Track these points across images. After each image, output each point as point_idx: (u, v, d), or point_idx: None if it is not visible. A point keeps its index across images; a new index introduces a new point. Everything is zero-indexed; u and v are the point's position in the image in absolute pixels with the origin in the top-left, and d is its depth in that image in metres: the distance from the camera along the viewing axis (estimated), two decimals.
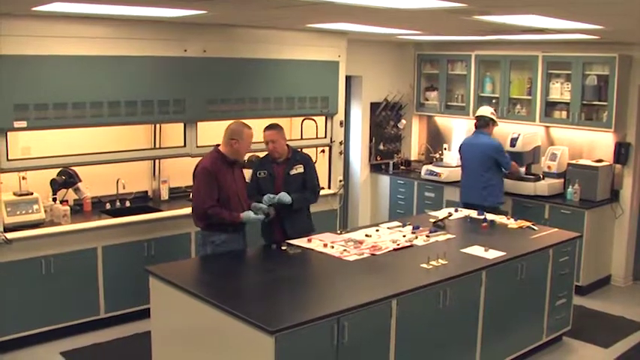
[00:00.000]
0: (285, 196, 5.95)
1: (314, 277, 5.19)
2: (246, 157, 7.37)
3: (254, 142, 6.13)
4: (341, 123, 8.54)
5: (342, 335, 4.32)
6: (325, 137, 8.47)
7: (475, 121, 8.16)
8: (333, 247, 5.71)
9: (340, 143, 8.57)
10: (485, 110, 8.12)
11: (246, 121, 7.64)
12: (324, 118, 8.45)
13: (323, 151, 8.58)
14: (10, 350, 6.21)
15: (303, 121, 8.55)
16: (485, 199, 7.75)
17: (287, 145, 6.32)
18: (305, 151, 8.50)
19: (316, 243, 5.83)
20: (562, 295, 6.37)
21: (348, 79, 9.03)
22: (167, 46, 6.93)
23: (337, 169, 8.58)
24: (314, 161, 6.75)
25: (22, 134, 6.52)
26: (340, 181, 8.57)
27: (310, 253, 5.63)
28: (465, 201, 7.94)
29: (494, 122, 8.03)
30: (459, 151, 8.26)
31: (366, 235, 6.09)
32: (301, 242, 5.85)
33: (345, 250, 5.63)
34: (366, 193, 10.17)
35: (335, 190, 8.50)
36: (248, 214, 5.73)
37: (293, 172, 6.25)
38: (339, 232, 6.43)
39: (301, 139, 8.54)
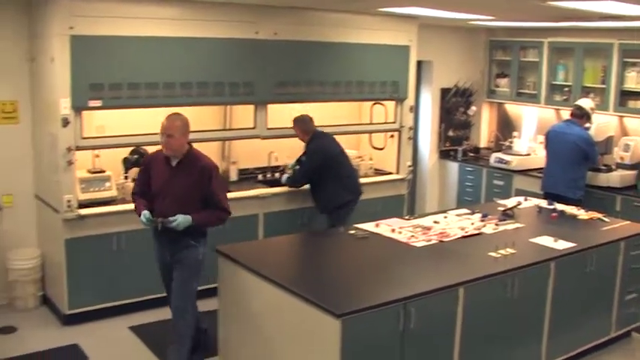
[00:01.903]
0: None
1: (381, 261, 5.17)
2: None
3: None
4: (411, 108, 8.49)
5: (409, 321, 4.31)
6: (394, 122, 8.43)
7: (572, 109, 8.00)
8: (400, 232, 5.69)
9: (410, 129, 8.51)
10: (586, 102, 7.96)
11: (315, 105, 7.74)
12: (393, 102, 8.40)
13: (392, 136, 8.53)
14: (80, 323, 6.39)
15: (372, 106, 8.52)
16: (573, 191, 7.63)
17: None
18: (374, 136, 8.56)
19: (384, 228, 5.82)
20: (632, 289, 6.23)
21: (418, 64, 8.97)
22: (239, 28, 6.98)
23: (406, 155, 8.53)
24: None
25: (96, 113, 6.65)
26: (409, 166, 8.52)
27: (378, 237, 5.62)
28: (549, 191, 7.80)
29: (589, 118, 7.86)
30: (546, 137, 8.12)
31: (434, 222, 6.05)
32: (369, 227, 5.85)
33: (412, 235, 5.61)
34: (434, 180, 10.12)
35: (403, 176, 8.46)
36: (143, 214, 5.23)
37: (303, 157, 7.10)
38: (406, 217, 6.41)
39: (370, 123, 8.52)
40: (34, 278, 6.75)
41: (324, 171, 7.12)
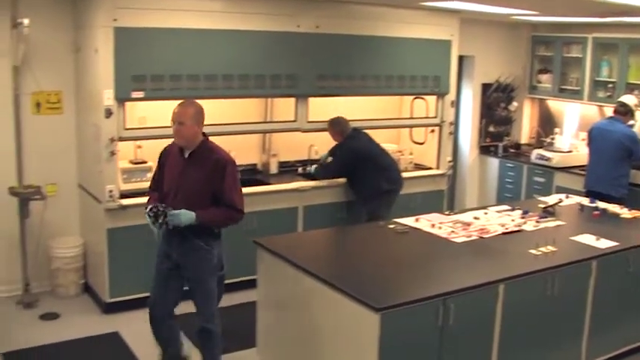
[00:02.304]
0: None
1: (421, 256, 5.16)
2: None
3: None
4: (452, 103, 8.45)
5: (447, 317, 4.30)
6: (435, 117, 8.39)
7: (615, 106, 7.90)
8: (440, 227, 5.67)
9: (450, 124, 8.48)
10: (630, 99, 7.84)
11: (356, 99, 7.74)
12: (434, 97, 8.36)
13: (432, 131, 8.50)
14: (120, 311, 6.47)
15: (413, 100, 8.49)
16: (617, 189, 7.53)
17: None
18: (415, 131, 8.53)
19: (424, 223, 5.80)
20: None
21: (460, 58, 8.91)
22: (281, 21, 6.99)
23: (446, 150, 8.50)
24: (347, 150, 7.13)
25: (138, 104, 6.72)
26: (449, 161, 8.48)
27: (417, 232, 5.60)
28: (592, 189, 7.69)
29: (632, 114, 7.76)
30: (589, 134, 8.02)
31: (474, 218, 6.02)
32: (409, 221, 5.83)
33: (452, 231, 5.59)
34: (474, 175, 10.06)
35: (443, 171, 8.42)
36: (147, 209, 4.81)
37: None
38: (446, 213, 6.39)
39: (411, 118, 8.50)
40: (76, 267, 6.85)
41: (361, 165, 7.20)
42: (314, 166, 7.62)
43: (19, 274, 6.74)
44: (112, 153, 6.25)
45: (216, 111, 7.09)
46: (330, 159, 7.52)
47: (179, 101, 6.62)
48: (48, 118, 6.83)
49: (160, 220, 4.68)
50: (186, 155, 4.85)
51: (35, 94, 6.73)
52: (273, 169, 7.81)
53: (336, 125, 7.36)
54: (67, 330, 6.04)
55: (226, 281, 6.84)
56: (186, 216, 4.67)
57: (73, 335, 5.96)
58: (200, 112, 4.87)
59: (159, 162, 5.11)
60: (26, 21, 6.23)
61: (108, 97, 6.19)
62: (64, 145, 6.94)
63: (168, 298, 5.09)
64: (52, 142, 6.87)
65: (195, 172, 4.78)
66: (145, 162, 6.74)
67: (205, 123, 6.86)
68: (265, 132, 7.76)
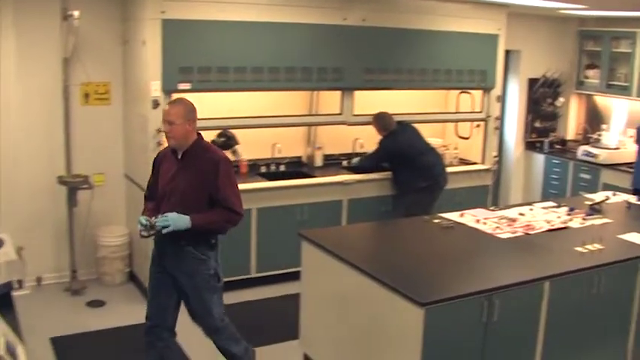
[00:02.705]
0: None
1: (465, 251, 5.12)
2: None
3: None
4: (498, 98, 8.38)
5: (492, 313, 4.27)
6: (481, 112, 8.34)
7: None
8: (485, 223, 5.63)
9: (496, 119, 8.41)
10: None
11: (402, 92, 7.72)
12: (480, 92, 8.31)
13: (478, 125, 8.45)
14: None
15: (459, 95, 8.45)
16: None
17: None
18: (460, 125, 8.49)
19: (469, 218, 5.77)
20: None
21: (506, 53, 8.83)
22: (327, 14, 7.00)
23: (492, 145, 8.43)
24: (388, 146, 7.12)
25: (185, 96, 6.73)
26: (494, 156, 8.42)
27: (462, 227, 5.57)
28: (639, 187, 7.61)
29: None
30: (637, 131, 7.87)
31: (520, 214, 5.96)
32: (453, 216, 5.81)
33: (497, 227, 5.54)
34: (519, 171, 9.97)
35: (488, 166, 8.36)
36: (139, 220, 4.49)
37: None
38: (491, 208, 6.34)
39: (457, 112, 8.46)
40: (121, 255, 6.95)
41: (398, 161, 7.24)
42: (357, 159, 7.67)
43: (67, 261, 6.87)
44: (159, 144, 6.31)
45: (261, 103, 7.18)
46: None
47: (226, 93, 6.77)
48: (96, 108, 6.93)
49: (152, 232, 4.39)
50: (180, 156, 4.56)
51: (84, 85, 6.84)
52: (318, 161, 7.83)
53: (379, 121, 7.38)
54: (113, 317, 6.13)
55: (271, 272, 6.94)
56: (179, 220, 4.36)
57: (118, 323, 6.05)
58: (191, 110, 4.55)
59: (153, 167, 4.81)
60: (76, 13, 6.32)
61: (155, 89, 6.26)
62: (112, 136, 7.04)
63: (166, 307, 4.74)
64: (100, 133, 6.98)
65: (189, 173, 4.50)
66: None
67: (253, 115, 7.01)
68: (311, 125, 7.78)
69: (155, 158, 4.83)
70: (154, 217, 4.38)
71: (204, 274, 4.60)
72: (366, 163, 7.49)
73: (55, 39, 6.62)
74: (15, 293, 3.71)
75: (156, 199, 4.66)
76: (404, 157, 7.27)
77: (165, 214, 4.36)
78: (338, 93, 7.38)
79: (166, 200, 4.53)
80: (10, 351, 2.80)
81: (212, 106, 6.93)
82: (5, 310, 3.17)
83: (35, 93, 6.65)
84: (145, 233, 4.39)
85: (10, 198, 6.47)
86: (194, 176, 4.48)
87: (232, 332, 4.85)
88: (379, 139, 7.39)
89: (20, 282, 3.82)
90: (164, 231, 4.34)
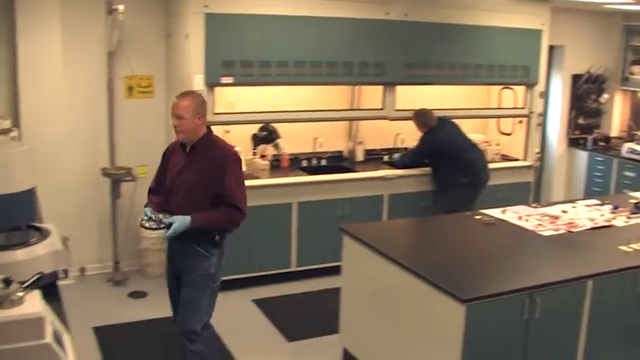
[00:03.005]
0: None
1: (507, 248, 5.10)
2: None
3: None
4: (541, 94, 8.30)
5: (534, 311, 4.24)
6: (524, 108, 8.25)
7: None
8: (527, 220, 5.59)
9: (539, 115, 8.32)
10: None
11: (444, 88, 7.67)
12: (523, 88, 8.23)
13: (520, 121, 8.36)
14: None
15: (501, 90, 8.38)
16: None
17: None
18: (502, 121, 8.42)
19: (510, 215, 5.73)
20: None
21: (550, 48, 8.73)
22: (369, 8, 6.99)
23: (534, 141, 8.34)
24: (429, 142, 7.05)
25: (227, 89, 6.82)
26: (537, 153, 8.33)
27: (504, 224, 5.53)
28: None
29: None
30: None
31: (562, 211, 5.91)
32: (495, 212, 5.77)
33: (540, 224, 5.49)
34: (561, 168, 9.87)
35: (531, 163, 8.27)
36: (144, 211, 4.40)
37: None
38: (533, 205, 6.29)
39: (499, 108, 8.39)
40: (163, 247, 6.98)
41: (439, 157, 7.21)
42: (397, 155, 7.65)
43: (110, 252, 6.96)
44: None
45: (303, 97, 7.19)
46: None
47: (268, 87, 6.79)
48: (139, 101, 7.01)
49: (161, 226, 4.26)
50: (188, 150, 4.45)
51: (128, 78, 6.92)
52: (360, 156, 7.81)
53: (420, 117, 7.34)
54: (154, 309, 6.18)
55: (312, 267, 6.95)
56: (180, 223, 4.22)
57: (159, 314, 6.08)
58: (201, 104, 4.42)
59: (162, 160, 4.70)
60: (121, 7, 6.38)
61: (198, 82, 6.30)
62: (154, 128, 7.10)
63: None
64: (143, 125, 7.05)
65: (196, 168, 4.37)
66: (233, 147, 6.80)
67: (295, 109, 7.02)
68: (352, 119, 7.78)
69: (165, 151, 4.74)
70: (160, 214, 4.27)
71: (204, 271, 4.42)
72: (407, 160, 7.46)
73: (100, 33, 6.70)
74: (60, 283, 3.77)
75: (162, 192, 4.55)
76: (445, 153, 7.24)
77: (171, 218, 4.23)
78: (379, 88, 7.36)
79: (174, 194, 4.42)
80: (57, 339, 2.85)
81: (254, 100, 6.98)
82: (51, 299, 3.22)
83: (80, 86, 6.73)
84: (150, 224, 4.26)
85: (55, 189, 6.55)
86: (201, 171, 4.35)
87: (207, 353, 4.53)
88: (420, 135, 7.35)
89: (66, 272, 3.87)
90: (167, 233, 4.24)
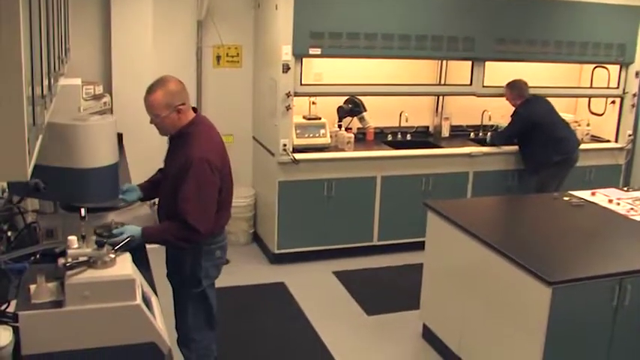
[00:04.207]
0: None
1: (597, 232, 4.95)
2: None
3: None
4: (637, 74, 8.01)
5: (623, 298, 4.12)
6: (617, 88, 7.98)
7: None
8: (619, 204, 5.43)
9: (634, 95, 8.05)
10: None
11: (535, 65, 7.48)
12: (617, 67, 7.96)
13: (613, 102, 8.09)
14: (287, 263, 6.67)
15: (594, 69, 8.13)
16: None
17: None
18: (594, 101, 8.17)
19: (600, 197, 5.57)
20: None
21: None
22: None
23: (627, 123, 8.05)
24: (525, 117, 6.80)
25: (315, 61, 6.81)
26: (629, 135, 8.07)
27: (593, 206, 5.39)
28: None
29: None
30: None
31: None
32: (584, 194, 5.63)
33: (632, 208, 5.32)
34: None
35: (622, 145, 8.01)
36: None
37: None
38: (625, 188, 6.11)
39: (591, 87, 8.15)
40: (247, 216, 7.09)
41: (533, 133, 7.00)
42: (489, 134, 7.48)
43: None
44: (288, 108, 6.37)
45: (390, 71, 7.14)
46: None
47: (355, 60, 6.75)
48: (227, 70, 7.07)
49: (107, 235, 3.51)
50: (169, 140, 3.97)
51: (216, 47, 6.97)
52: (445, 132, 7.71)
53: (515, 88, 7.15)
54: (237, 276, 6.26)
55: (394, 241, 6.91)
56: (130, 232, 3.55)
57: (242, 282, 6.19)
58: (175, 93, 3.77)
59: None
60: None
61: (286, 53, 6.30)
62: (241, 98, 7.16)
63: None
64: (230, 95, 7.11)
65: (175, 161, 3.82)
66: (319, 118, 6.83)
67: (377, 82, 6.96)
68: (440, 95, 7.69)
69: None
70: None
71: (180, 275, 4.02)
72: (498, 140, 7.29)
73: (190, 2, 6.77)
74: (148, 246, 3.83)
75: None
76: (539, 127, 7.01)
77: (125, 226, 3.62)
78: (467, 63, 7.24)
79: (164, 180, 3.98)
80: (146, 301, 2.91)
81: (341, 72, 6.95)
82: (140, 263, 3.29)
83: (170, 54, 6.82)
84: (99, 231, 3.53)
85: (144, 157, 6.65)
86: (173, 170, 3.82)
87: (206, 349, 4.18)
88: (512, 111, 7.19)
89: None
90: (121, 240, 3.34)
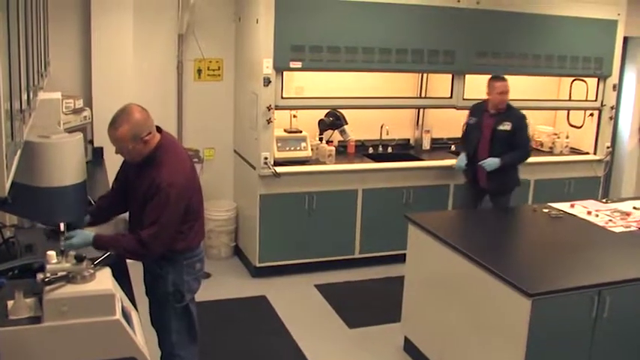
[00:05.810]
0: None
1: (576, 243, 4.98)
2: None
3: None
4: (614, 86, 8.09)
5: (602, 309, 4.15)
6: (595, 100, 8.05)
7: None
8: (597, 215, 5.47)
9: (611, 108, 8.12)
10: None
11: (515, 78, 7.50)
12: (595, 80, 8.03)
13: (592, 114, 8.16)
14: (268, 276, 6.65)
15: (572, 82, 8.19)
16: None
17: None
18: (573, 114, 8.23)
19: (579, 209, 5.62)
20: None
21: (624, 40, 8.49)
22: None
23: (605, 135, 8.11)
24: (527, 121, 6.60)
25: (295, 74, 6.83)
26: (608, 147, 8.13)
27: (572, 218, 5.43)
28: None
29: None
30: None
31: (634, 208, 5.74)
32: (563, 206, 5.67)
33: (610, 220, 5.37)
34: (632, 163, 9.60)
35: (601, 157, 8.08)
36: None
37: (500, 127, 6.36)
38: (604, 200, 6.16)
39: (570, 100, 8.21)
40: (228, 229, 7.08)
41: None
42: (487, 162, 6.39)
43: None
44: (269, 121, 6.38)
45: (371, 84, 7.17)
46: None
47: (336, 73, 6.77)
48: (208, 84, 7.07)
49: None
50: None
51: (197, 61, 6.98)
52: (426, 145, 7.74)
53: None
54: (219, 290, 6.25)
55: (375, 254, 6.93)
56: (80, 239, 3.56)
57: (224, 295, 6.18)
58: (140, 124, 3.67)
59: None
60: None
61: (267, 66, 6.32)
62: (222, 112, 7.17)
63: None
64: (211, 108, 7.12)
65: (141, 184, 3.78)
66: (300, 131, 6.84)
67: (361, 96, 7.00)
68: (421, 107, 7.72)
69: None
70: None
71: (162, 291, 3.95)
72: (528, 147, 6.64)
73: (171, 16, 6.78)
74: (128, 261, 3.82)
75: (115, 194, 4.08)
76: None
77: (75, 231, 3.60)
78: (447, 76, 7.28)
79: (130, 200, 3.92)
80: (126, 316, 2.90)
81: (322, 86, 6.97)
82: (120, 278, 3.28)
83: (150, 67, 6.82)
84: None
85: None
86: (140, 191, 3.78)
87: None
88: (511, 122, 6.47)
89: None
90: (64, 244, 3.38)
